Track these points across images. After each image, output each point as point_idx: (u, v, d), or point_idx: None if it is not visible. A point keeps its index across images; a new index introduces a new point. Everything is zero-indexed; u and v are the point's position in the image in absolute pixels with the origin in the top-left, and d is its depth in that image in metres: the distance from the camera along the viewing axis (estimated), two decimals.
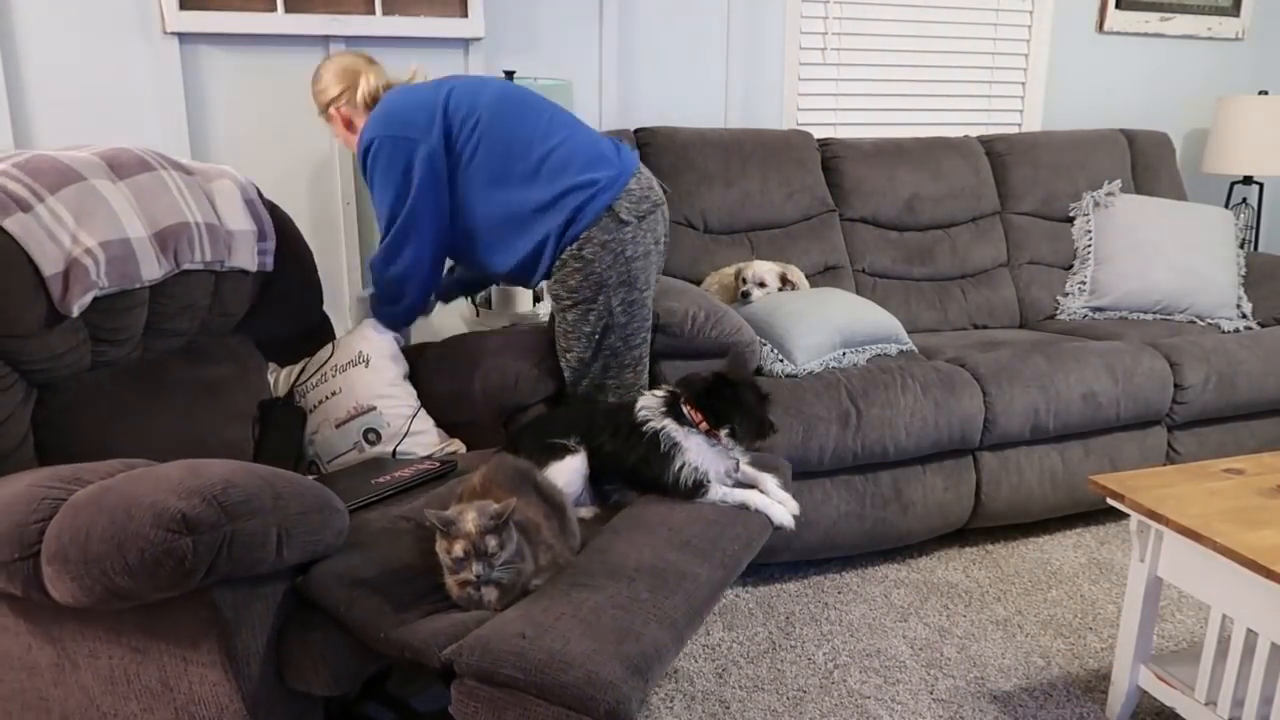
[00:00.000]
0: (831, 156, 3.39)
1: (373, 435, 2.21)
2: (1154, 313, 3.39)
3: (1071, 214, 3.61)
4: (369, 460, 2.19)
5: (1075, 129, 3.81)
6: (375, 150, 2.11)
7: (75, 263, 1.76)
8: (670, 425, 1.88)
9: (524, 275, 2.21)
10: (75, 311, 1.77)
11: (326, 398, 2.25)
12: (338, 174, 2.98)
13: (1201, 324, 3.31)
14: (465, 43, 3.04)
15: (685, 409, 1.88)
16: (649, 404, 1.93)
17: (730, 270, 3.01)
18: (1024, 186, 3.59)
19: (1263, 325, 3.31)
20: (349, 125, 2.28)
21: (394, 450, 2.21)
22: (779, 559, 2.60)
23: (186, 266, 2.05)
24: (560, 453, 1.90)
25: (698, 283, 3.03)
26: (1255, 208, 4.13)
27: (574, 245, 2.10)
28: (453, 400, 2.30)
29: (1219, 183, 4.26)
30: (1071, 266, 3.57)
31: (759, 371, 2.59)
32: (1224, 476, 1.99)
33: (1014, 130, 3.93)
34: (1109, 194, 3.54)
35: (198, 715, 1.47)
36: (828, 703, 2.09)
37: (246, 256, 2.22)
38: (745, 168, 3.21)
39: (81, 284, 1.77)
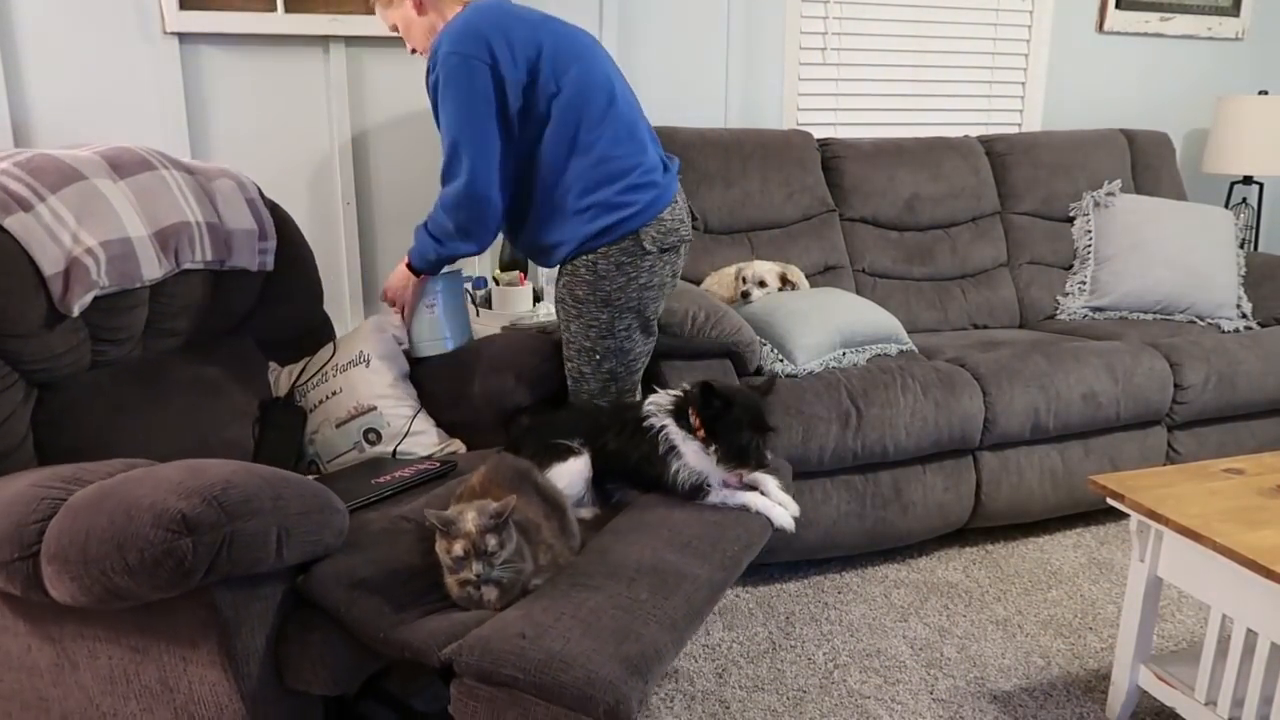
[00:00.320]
0: (831, 156, 3.39)
1: (373, 435, 2.21)
2: (1154, 313, 3.39)
3: (1071, 214, 3.61)
4: (369, 460, 2.19)
5: (1075, 129, 3.81)
6: (449, 66, 1.94)
7: (76, 262, 1.76)
8: (671, 426, 1.87)
9: (537, 256, 2.19)
10: (76, 311, 1.77)
11: (327, 397, 2.26)
12: (338, 174, 2.98)
13: (1201, 324, 3.31)
14: None
15: (690, 414, 1.88)
16: (658, 401, 1.93)
17: (730, 270, 3.01)
18: (1024, 186, 3.58)
19: (1263, 325, 3.31)
20: (420, 7, 2.09)
21: (394, 450, 2.21)
22: (779, 559, 2.60)
23: (187, 266, 2.05)
24: (564, 454, 1.90)
25: (698, 283, 3.03)
26: (1255, 208, 4.13)
27: (590, 256, 2.07)
28: (453, 400, 2.30)
29: (1219, 183, 4.26)
30: (1071, 266, 3.57)
31: (759, 371, 2.59)
32: (1224, 476, 1.99)
33: (1014, 130, 3.93)
34: (1109, 194, 3.54)
35: (197, 715, 1.47)
36: (828, 703, 2.09)
37: (247, 256, 2.22)
38: (745, 168, 3.21)
39: (82, 283, 1.77)
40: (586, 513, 1.90)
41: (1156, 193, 3.70)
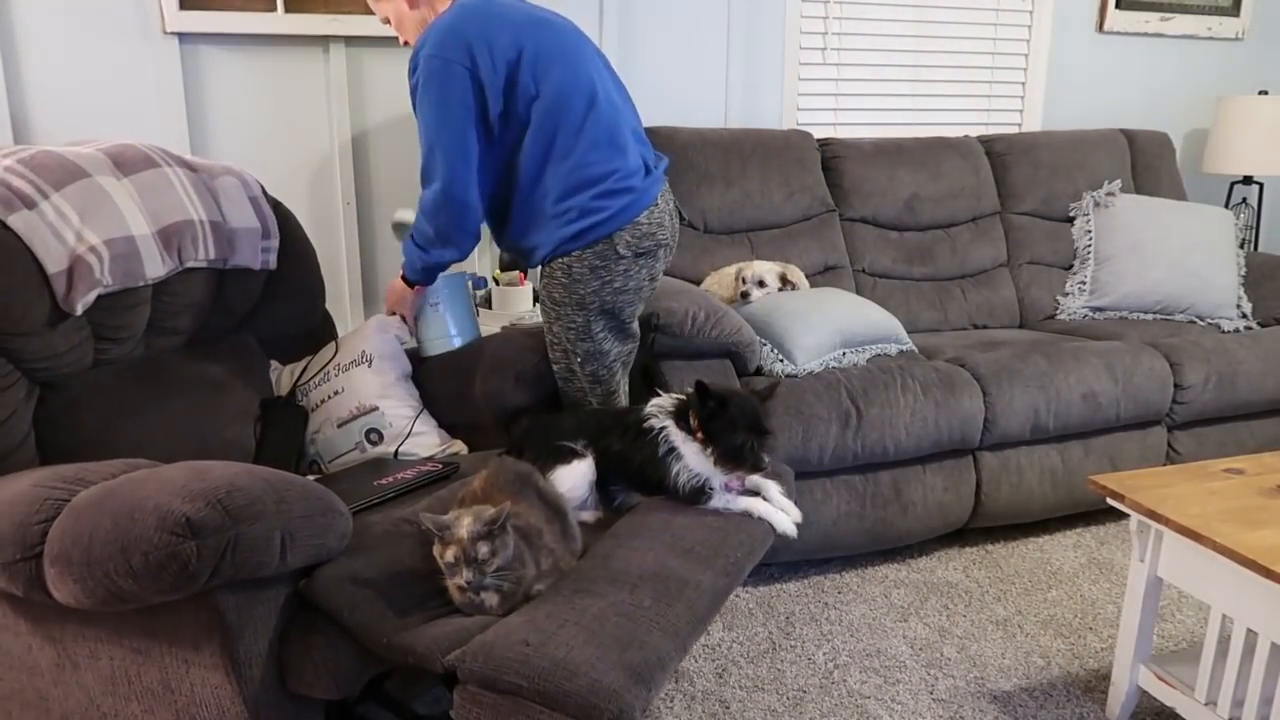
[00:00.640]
0: (831, 156, 3.39)
1: (375, 435, 2.21)
2: (1154, 313, 3.39)
3: (1071, 214, 3.61)
4: (371, 461, 2.19)
5: (1075, 129, 3.81)
6: (430, 69, 1.95)
7: (79, 260, 1.76)
8: (671, 428, 1.87)
9: (519, 258, 2.22)
10: (79, 309, 1.77)
11: (329, 397, 2.26)
12: (338, 174, 2.98)
13: (1201, 324, 3.31)
14: None
15: (691, 416, 1.88)
16: (660, 404, 1.93)
17: (730, 270, 3.01)
18: (1024, 186, 3.59)
19: (1263, 325, 3.32)
20: (412, 2, 2.09)
21: (396, 451, 2.21)
22: (779, 559, 2.60)
23: (190, 264, 2.05)
24: (567, 456, 1.90)
25: (698, 283, 3.03)
26: (1255, 208, 4.14)
27: (565, 259, 2.08)
28: (455, 401, 2.30)
29: (1219, 183, 4.26)
30: (1071, 266, 3.57)
31: (759, 371, 2.59)
32: (1224, 476, 1.99)
33: (1014, 130, 3.93)
34: (1109, 194, 3.54)
35: (199, 717, 1.48)
36: (828, 703, 2.10)
37: (250, 254, 2.22)
38: (745, 168, 3.21)
39: (85, 282, 1.77)
40: (589, 516, 1.90)
41: (1156, 193, 3.70)
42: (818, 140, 3.39)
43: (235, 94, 2.82)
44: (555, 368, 2.20)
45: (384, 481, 1.96)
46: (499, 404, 2.26)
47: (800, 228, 3.28)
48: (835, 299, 2.84)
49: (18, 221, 1.70)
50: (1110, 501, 1.93)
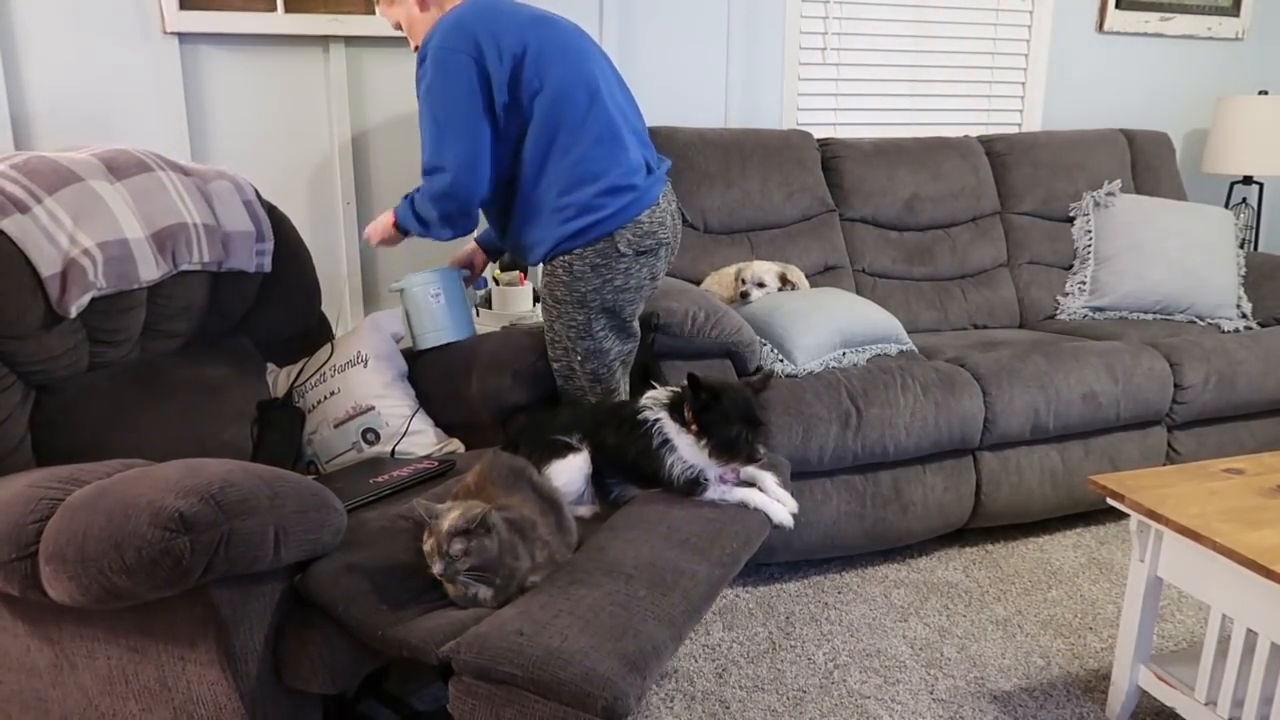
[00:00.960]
0: (831, 156, 3.39)
1: (371, 435, 2.21)
2: (1154, 313, 3.38)
3: (1071, 214, 3.60)
4: (367, 460, 2.19)
5: (1075, 129, 3.80)
6: (437, 60, 1.98)
7: (73, 264, 1.76)
8: (665, 420, 1.87)
9: (520, 254, 2.23)
10: (73, 312, 1.77)
11: (325, 398, 2.25)
12: (338, 174, 2.98)
13: (1201, 324, 3.31)
14: None
15: (685, 408, 1.88)
16: (655, 396, 1.93)
17: (730, 270, 3.01)
18: (1024, 186, 3.58)
19: (1263, 325, 3.31)
20: (422, 4, 2.14)
21: (392, 450, 2.21)
22: (779, 558, 2.60)
23: (184, 267, 2.05)
24: (563, 450, 1.90)
25: (698, 283, 3.03)
26: (1255, 208, 4.13)
27: (567, 257, 2.09)
28: (451, 400, 2.30)
29: (1219, 183, 4.26)
30: (1071, 266, 3.57)
31: (759, 371, 2.58)
32: (1224, 476, 1.98)
33: (1014, 130, 3.92)
34: (1109, 194, 3.54)
35: (196, 714, 1.47)
36: (828, 703, 2.09)
37: (244, 257, 2.22)
38: (745, 168, 3.20)
39: (79, 285, 1.77)
40: (586, 510, 1.90)
41: (1156, 193, 3.70)
42: (818, 140, 3.39)
43: (235, 94, 2.83)
44: (555, 365, 2.20)
45: (380, 479, 1.96)
46: (497, 402, 2.25)
47: (800, 228, 3.28)
48: (835, 299, 2.84)
49: (11, 225, 1.70)
50: (1110, 501, 1.93)
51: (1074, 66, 3.94)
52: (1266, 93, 3.95)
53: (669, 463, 1.85)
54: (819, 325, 2.67)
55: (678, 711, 2.06)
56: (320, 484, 1.55)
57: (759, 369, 2.59)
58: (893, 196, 3.39)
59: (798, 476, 2.46)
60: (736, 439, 1.83)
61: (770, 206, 3.23)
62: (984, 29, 3.78)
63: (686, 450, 1.85)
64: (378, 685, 2.03)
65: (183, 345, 2.16)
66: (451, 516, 1.46)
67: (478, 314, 2.90)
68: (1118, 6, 3.92)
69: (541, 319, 2.79)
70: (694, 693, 2.13)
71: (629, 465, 1.90)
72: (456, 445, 2.28)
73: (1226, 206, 4.15)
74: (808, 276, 3.10)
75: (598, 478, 1.92)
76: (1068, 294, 3.52)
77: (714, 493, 1.88)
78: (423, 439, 2.24)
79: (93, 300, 1.82)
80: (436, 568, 1.47)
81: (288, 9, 2.77)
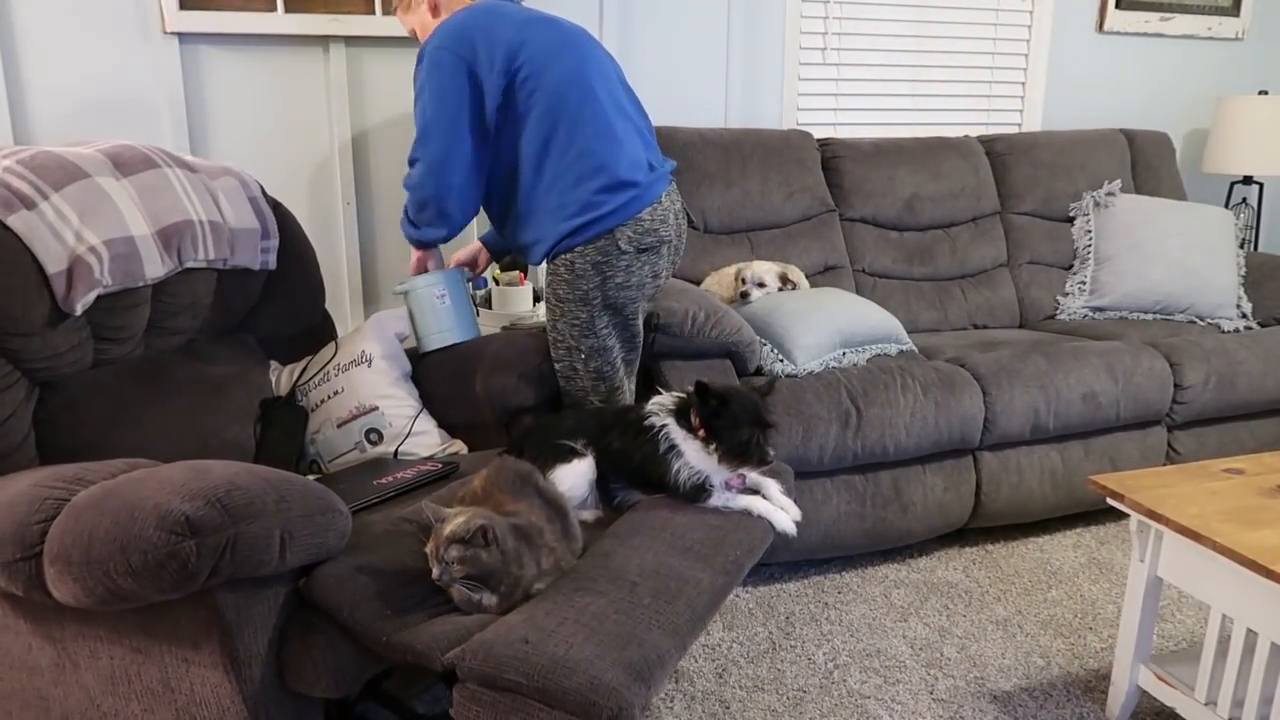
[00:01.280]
0: (831, 156, 3.39)
1: (375, 435, 2.21)
2: (1154, 313, 3.39)
3: (1071, 214, 3.61)
4: (370, 461, 2.19)
5: (1075, 129, 3.81)
6: (430, 61, 2.05)
7: (79, 260, 1.76)
8: (672, 426, 1.87)
9: (521, 253, 2.25)
10: (78, 310, 1.77)
11: (328, 397, 2.26)
12: (338, 174, 2.98)
13: (1201, 324, 3.31)
14: None
15: (692, 414, 1.88)
16: (661, 402, 1.93)
17: (730, 270, 3.01)
18: (1024, 186, 3.59)
19: (1263, 325, 3.32)
20: (435, 10, 2.22)
21: (396, 451, 2.21)
22: (779, 559, 2.60)
23: (189, 264, 2.05)
24: (567, 455, 1.90)
25: (698, 283, 3.03)
26: (1255, 208, 4.14)
27: (568, 255, 2.09)
28: (455, 401, 2.30)
29: (1219, 183, 4.26)
30: (1071, 266, 3.57)
31: (759, 372, 2.59)
32: (1224, 476, 1.99)
33: (1014, 130, 3.92)
34: (1109, 194, 3.54)
35: (199, 716, 1.48)
36: (828, 703, 2.10)
37: (250, 255, 2.22)
38: (745, 168, 3.21)
39: (85, 282, 1.77)
40: (590, 515, 1.90)
41: (1156, 193, 3.70)
42: (818, 140, 3.39)
43: (235, 94, 2.82)
44: (558, 366, 2.21)
45: (383, 481, 1.96)
46: (501, 403, 2.26)
47: (800, 228, 3.28)
48: (835, 299, 2.84)
49: (17, 222, 1.70)
50: (1110, 501, 1.93)
51: (1074, 66, 3.95)
52: (1266, 93, 3.96)
53: (675, 468, 1.85)
54: (819, 325, 2.68)
55: (678, 711, 2.07)
56: (324, 486, 1.56)
57: (760, 370, 2.59)
58: (893, 196, 3.39)
59: (798, 476, 2.47)
60: (747, 443, 1.83)
61: (770, 206, 3.24)
62: (984, 29, 3.78)
63: (693, 456, 1.86)
64: (378, 688, 2.03)
65: (187, 342, 2.16)
66: (455, 523, 1.47)
67: (478, 314, 2.90)
68: (1118, 6, 3.92)
69: (541, 319, 2.82)
70: (694, 693, 2.13)
71: (634, 470, 1.90)
72: (460, 446, 2.28)
73: (1226, 206, 4.15)
74: (808, 276, 3.10)
75: (602, 482, 1.92)
76: (1068, 294, 3.52)
77: (718, 499, 1.88)
78: (426, 440, 2.24)
79: (98, 298, 1.82)
80: (434, 571, 1.48)
81: (288, 9, 2.76)
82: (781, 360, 2.61)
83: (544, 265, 2.19)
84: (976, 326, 3.44)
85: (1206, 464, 2.07)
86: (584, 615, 1.43)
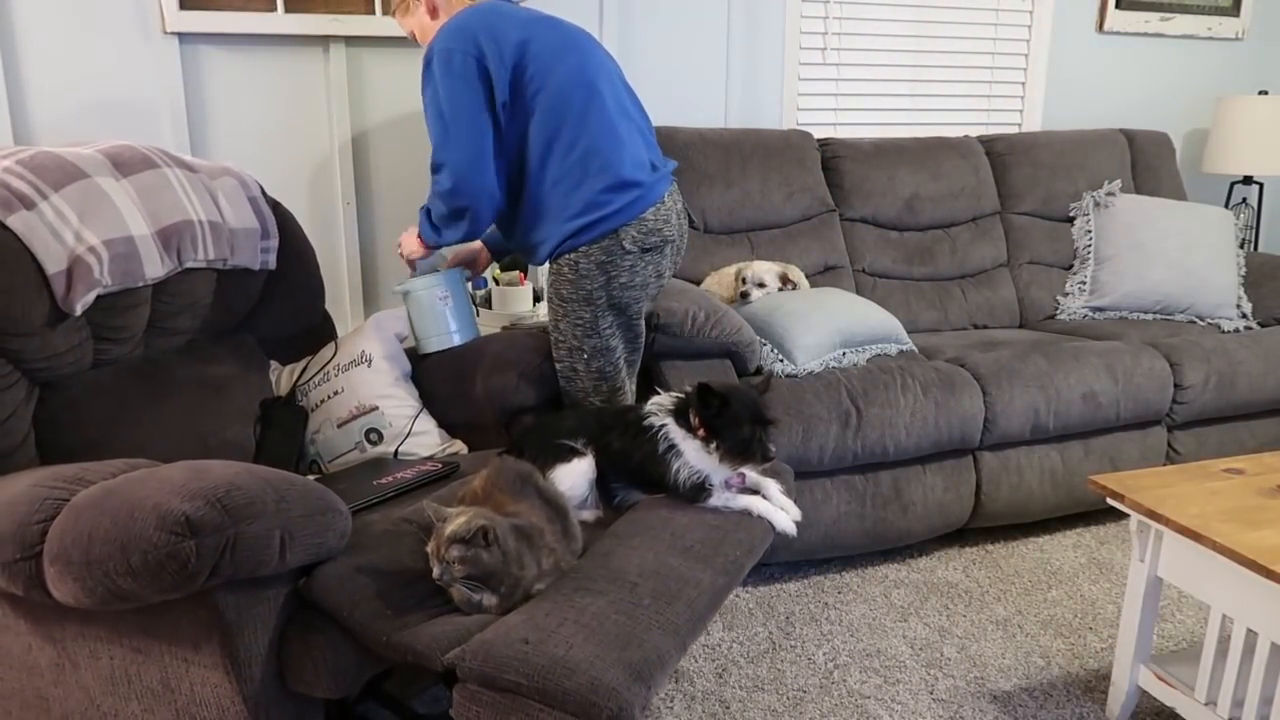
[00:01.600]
0: (831, 156, 3.39)
1: (375, 435, 2.21)
2: (1154, 313, 3.39)
3: (1071, 214, 3.61)
4: (370, 461, 2.19)
5: (1075, 129, 3.81)
6: (440, 60, 2.01)
7: (78, 261, 1.76)
8: (671, 425, 1.87)
9: (525, 253, 2.23)
10: (78, 310, 1.77)
11: (328, 397, 2.26)
12: (338, 174, 2.98)
13: (1201, 324, 3.31)
14: None
15: (691, 414, 1.88)
16: (660, 402, 1.93)
17: (730, 270, 3.01)
18: (1024, 186, 3.59)
19: (1263, 325, 3.32)
20: (433, 12, 2.18)
21: (396, 451, 2.21)
22: (779, 559, 2.60)
23: (189, 265, 2.05)
24: (567, 455, 1.90)
25: (698, 283, 3.03)
26: (1255, 208, 4.14)
27: (572, 255, 2.09)
28: (455, 401, 2.30)
29: (1219, 183, 4.26)
30: (1071, 266, 3.57)
31: (758, 372, 2.59)
32: (1224, 476, 1.99)
33: (1014, 130, 3.93)
34: (1109, 194, 3.54)
35: (199, 717, 1.48)
36: (828, 703, 2.10)
37: (249, 255, 2.22)
38: (745, 168, 3.21)
39: (85, 282, 1.77)
40: (590, 515, 1.90)
41: (1156, 193, 3.70)
42: (818, 140, 3.39)
43: (235, 94, 2.83)
44: (559, 366, 2.21)
45: (383, 481, 1.96)
46: (501, 403, 2.26)
47: (800, 228, 3.28)
48: (835, 299, 2.84)
49: (17, 222, 1.70)
50: (1110, 501, 1.93)
51: (1074, 66, 3.95)
52: (1266, 93, 3.96)
53: (675, 468, 1.85)
54: (819, 325, 2.68)
55: (678, 712, 2.07)
56: (324, 486, 1.56)
57: (759, 370, 2.59)
58: (893, 196, 3.39)
59: (798, 477, 2.47)
60: (750, 441, 1.84)
61: (770, 206, 3.24)
62: (984, 29, 3.78)
63: (692, 455, 1.86)
64: (378, 688, 2.03)
65: (186, 342, 2.16)
66: (456, 523, 1.47)
67: (478, 314, 2.90)
68: (1118, 6, 3.92)
69: (541, 319, 2.82)
70: (694, 693, 2.13)
71: (634, 470, 1.90)
72: (460, 446, 2.28)
73: (1226, 206, 4.15)
74: (808, 276, 3.10)
75: (602, 482, 1.93)
76: (1068, 294, 3.52)
77: (718, 499, 1.88)
78: (426, 440, 2.24)
79: (97, 298, 1.82)
80: (435, 571, 1.48)
81: (288, 9, 2.76)
82: (781, 360, 2.61)
83: (545, 265, 2.19)
84: (976, 326, 3.44)
85: (1206, 464, 2.07)
86: (584, 616, 1.43)
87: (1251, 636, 1.71)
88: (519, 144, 2.08)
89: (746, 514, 1.88)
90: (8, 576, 1.41)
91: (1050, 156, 3.61)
